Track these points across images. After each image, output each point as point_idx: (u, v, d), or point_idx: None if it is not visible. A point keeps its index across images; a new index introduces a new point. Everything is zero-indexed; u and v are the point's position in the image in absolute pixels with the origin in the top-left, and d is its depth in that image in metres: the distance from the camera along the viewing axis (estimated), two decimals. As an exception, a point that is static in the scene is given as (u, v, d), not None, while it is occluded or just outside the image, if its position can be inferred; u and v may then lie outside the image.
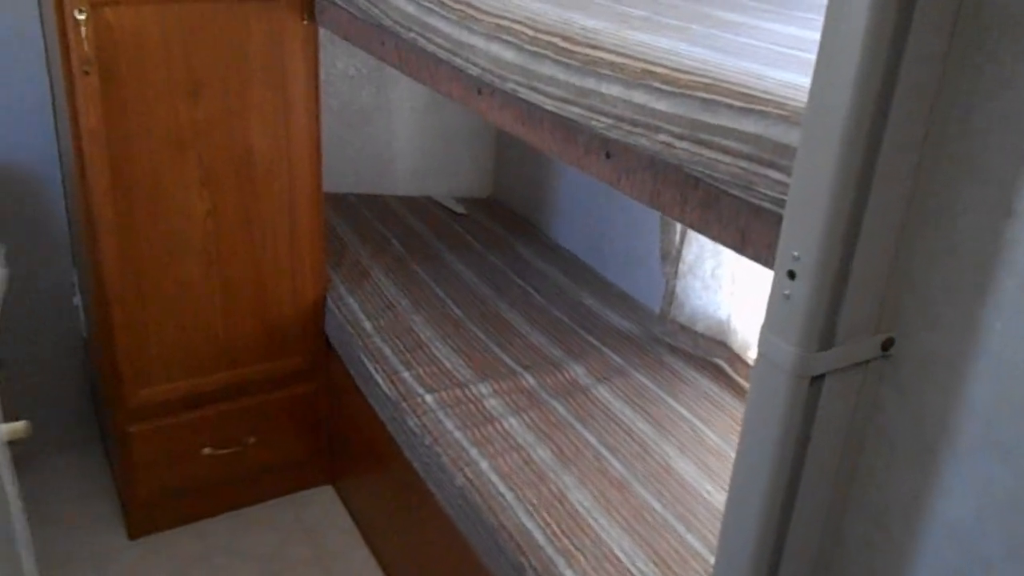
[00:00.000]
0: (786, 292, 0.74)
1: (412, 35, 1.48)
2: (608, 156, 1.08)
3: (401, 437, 1.82)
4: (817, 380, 0.76)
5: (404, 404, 1.81)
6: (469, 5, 1.30)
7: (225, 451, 2.09)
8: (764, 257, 0.86)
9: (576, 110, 1.08)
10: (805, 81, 0.72)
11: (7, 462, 1.37)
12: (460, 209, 2.63)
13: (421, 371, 1.89)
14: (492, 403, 1.81)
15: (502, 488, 1.57)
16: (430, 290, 2.20)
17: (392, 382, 1.87)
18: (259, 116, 1.87)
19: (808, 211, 0.71)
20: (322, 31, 1.90)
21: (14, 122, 2.02)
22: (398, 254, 2.34)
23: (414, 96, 2.57)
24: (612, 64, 1.02)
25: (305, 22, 1.86)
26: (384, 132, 2.58)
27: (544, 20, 1.16)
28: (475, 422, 1.74)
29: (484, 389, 1.84)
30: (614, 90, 1.01)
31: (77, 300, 2.18)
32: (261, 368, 2.08)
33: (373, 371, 1.92)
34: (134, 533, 2.07)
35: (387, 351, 1.96)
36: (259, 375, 2.08)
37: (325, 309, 2.12)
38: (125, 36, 1.68)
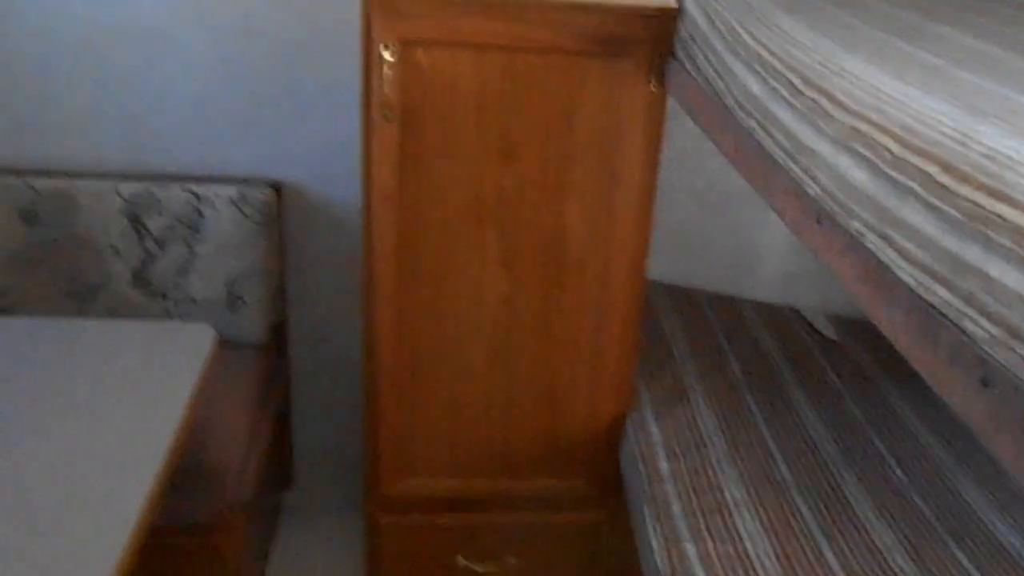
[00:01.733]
0: None
1: (752, 123, 1.10)
2: (984, 385, 0.61)
3: (663, 632, 1.43)
4: None
5: (674, 592, 1.41)
6: (824, 93, 0.89)
7: (481, 566, 1.85)
8: None
9: (945, 293, 0.63)
10: None
11: None
12: (830, 333, 2.12)
13: (711, 548, 1.47)
14: (795, 624, 1.34)
15: None
16: (758, 435, 1.75)
17: (668, 553, 1.47)
18: (578, 193, 1.60)
19: None
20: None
21: (331, 165, 2.00)
22: (733, 379, 1.92)
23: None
24: (1016, 229, 0.56)
25: (652, 87, 1.55)
26: (751, 223, 2.18)
27: (927, 131, 0.72)
28: (762, 651, 1.29)
29: (789, 600, 1.37)
30: (1010, 277, 0.56)
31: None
32: (539, 484, 1.81)
33: (651, 530, 1.54)
34: (371, 628, 1.92)
35: (676, 508, 1.56)
36: (535, 491, 1.81)
37: (624, 432, 1.79)
38: (436, 82, 1.51)
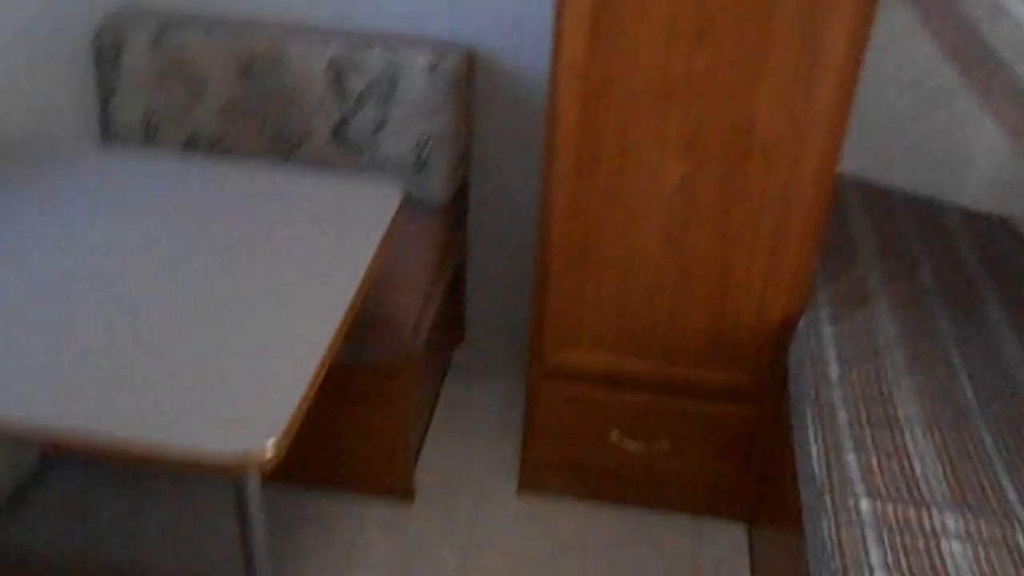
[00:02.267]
0: None
1: (978, 12, 0.96)
2: None
3: (811, 537, 1.40)
4: None
5: (827, 498, 1.36)
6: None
7: (634, 443, 1.87)
8: None
9: None
10: None
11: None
12: (1045, 247, 1.92)
13: (874, 461, 1.41)
14: (954, 549, 1.27)
15: None
16: (943, 350, 1.63)
17: (826, 459, 1.42)
18: (773, 76, 1.49)
19: None
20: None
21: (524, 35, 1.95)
22: (922, 287, 1.78)
23: None
24: None
25: (871, -35, 1.40)
26: (963, 122, 1.97)
27: None
28: (914, 571, 1.23)
29: (952, 524, 1.30)
30: None
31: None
32: (701, 372, 1.78)
33: (812, 435, 1.49)
34: (523, 487, 1.99)
35: (842, 415, 1.50)
36: (696, 378, 1.78)
37: (795, 331, 1.72)
38: (633, -44, 1.42)
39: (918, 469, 1.39)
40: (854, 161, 2.03)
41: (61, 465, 2.00)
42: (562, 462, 1.93)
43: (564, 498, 1.98)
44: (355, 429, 1.87)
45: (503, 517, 1.94)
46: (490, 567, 1.83)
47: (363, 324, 1.72)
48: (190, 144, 2.02)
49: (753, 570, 1.85)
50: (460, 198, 2.15)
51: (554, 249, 1.69)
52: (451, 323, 2.32)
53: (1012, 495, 1.34)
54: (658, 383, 1.80)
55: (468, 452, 2.10)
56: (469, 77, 1.99)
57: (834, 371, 1.58)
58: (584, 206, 1.64)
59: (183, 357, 1.15)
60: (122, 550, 1.81)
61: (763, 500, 1.87)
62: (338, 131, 1.98)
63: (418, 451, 2.07)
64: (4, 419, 1.03)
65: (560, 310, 1.75)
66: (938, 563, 1.23)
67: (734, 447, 1.85)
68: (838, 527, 1.31)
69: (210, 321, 1.21)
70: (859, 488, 1.36)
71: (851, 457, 1.41)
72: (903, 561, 1.23)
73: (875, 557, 1.25)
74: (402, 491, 1.95)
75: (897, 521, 1.30)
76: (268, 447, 1.03)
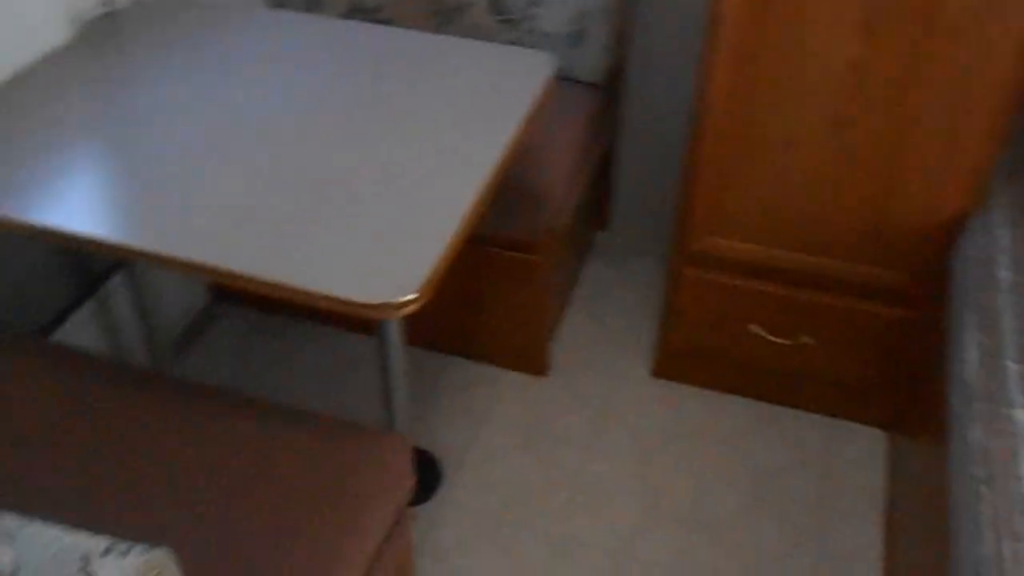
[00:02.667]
0: None
1: None
2: None
3: (956, 445, 1.32)
4: None
5: (978, 405, 1.28)
6: None
7: (774, 338, 1.81)
8: None
9: None
10: None
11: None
12: None
13: (1038, 371, 1.31)
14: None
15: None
16: None
17: (984, 365, 1.33)
18: (972, -54, 1.34)
19: None
20: None
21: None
22: (1119, 194, 1.60)
23: None
24: None
25: None
26: None
27: None
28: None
29: (1119, 444, 1.20)
30: None
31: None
32: (854, 269, 1.68)
33: (971, 340, 1.39)
34: (656, 371, 1.98)
35: (1007, 322, 1.39)
36: (847, 274, 1.69)
37: (964, 231, 1.59)
38: None
39: (1088, 385, 1.28)
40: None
41: (226, 309, 2.14)
42: (698, 350, 1.90)
43: (697, 386, 1.96)
44: (496, 301, 1.90)
45: (634, 398, 1.94)
46: (617, 444, 1.84)
47: (509, 197, 1.72)
48: (352, 13, 2.03)
49: (890, 476, 1.78)
50: (616, 77, 2.08)
51: (709, 130, 1.61)
52: (597, 205, 2.29)
53: None
54: (806, 277, 1.72)
55: (604, 333, 2.10)
56: (633, -53, 1.90)
57: (1004, 275, 1.46)
58: (745, 85, 1.54)
59: (337, 211, 1.18)
60: (274, 390, 1.94)
61: (907, 406, 1.79)
62: (496, 2, 1.94)
63: (555, 328, 2.09)
64: (179, 255, 1.11)
65: (709, 195, 1.68)
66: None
67: (881, 349, 1.76)
68: (989, 436, 1.23)
69: (364, 178, 1.24)
70: (1017, 398, 1.27)
71: (1012, 366, 1.31)
72: (1057, 476, 1.15)
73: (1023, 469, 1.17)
74: (537, 365, 1.98)
75: (1057, 435, 1.21)
76: (409, 295, 1.06)
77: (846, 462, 1.82)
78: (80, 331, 1.71)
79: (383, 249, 1.12)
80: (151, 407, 1.25)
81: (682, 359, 1.94)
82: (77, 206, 1.18)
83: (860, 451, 1.85)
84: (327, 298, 1.07)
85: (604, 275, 2.25)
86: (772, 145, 1.60)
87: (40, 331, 1.65)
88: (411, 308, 1.07)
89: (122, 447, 1.19)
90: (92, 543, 0.72)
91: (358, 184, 1.22)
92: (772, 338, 1.81)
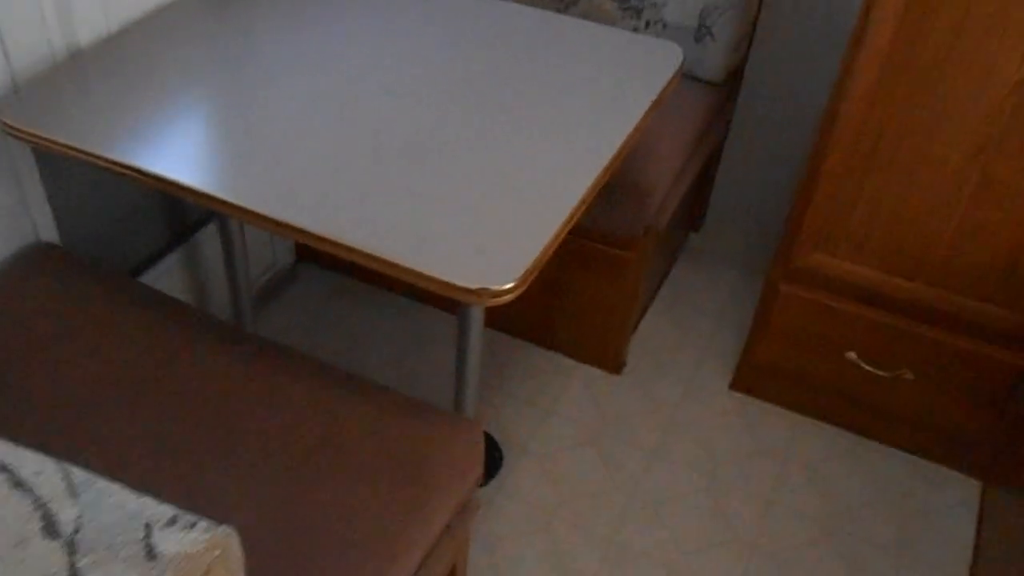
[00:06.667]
0: None
1: None
2: None
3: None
4: None
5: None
6: None
7: (871, 368, 1.66)
8: None
9: None
10: None
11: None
12: None
13: None
14: None
15: None
16: None
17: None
18: None
19: None
20: None
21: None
22: None
23: None
24: None
25: None
26: None
27: None
28: None
29: None
30: None
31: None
32: (976, 306, 1.50)
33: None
34: (735, 384, 1.85)
35: None
36: (967, 311, 1.51)
37: (1102, 281, 1.43)
38: None
39: None
40: None
41: (310, 269, 2.08)
42: (784, 368, 1.76)
43: (777, 405, 1.81)
44: (581, 293, 1.79)
45: (709, 409, 1.81)
46: (686, 454, 1.72)
47: (611, 190, 1.61)
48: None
49: (981, 528, 1.64)
50: (734, 76, 1.95)
51: (836, 141, 1.47)
52: (694, 205, 2.17)
53: None
54: (919, 309, 1.57)
55: (684, 338, 1.97)
56: (772, -59, 1.76)
57: None
58: (887, 96, 1.39)
59: (440, 185, 1.08)
60: (346, 356, 1.87)
61: (1007, 457, 1.63)
62: (620, -15, 1.82)
63: (635, 326, 1.98)
64: (273, 214, 1.03)
65: (824, 210, 1.54)
66: None
67: (987, 394, 1.61)
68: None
69: (472, 155, 1.13)
70: None
71: None
72: None
73: None
74: (613, 362, 1.87)
75: None
76: (507, 283, 0.96)
77: (933, 507, 1.67)
78: (169, 276, 1.63)
79: (485, 231, 1.02)
80: (228, 363, 1.17)
81: (765, 375, 1.81)
82: (179, 153, 1.08)
83: (950, 498, 1.69)
84: (419, 275, 0.97)
85: (691, 277, 2.13)
86: (905, 163, 1.45)
87: (131, 272, 1.60)
88: (507, 298, 0.97)
89: (196, 402, 1.12)
90: (158, 511, 0.65)
91: (466, 160, 1.12)
92: (869, 368, 1.67)
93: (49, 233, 1.38)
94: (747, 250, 2.18)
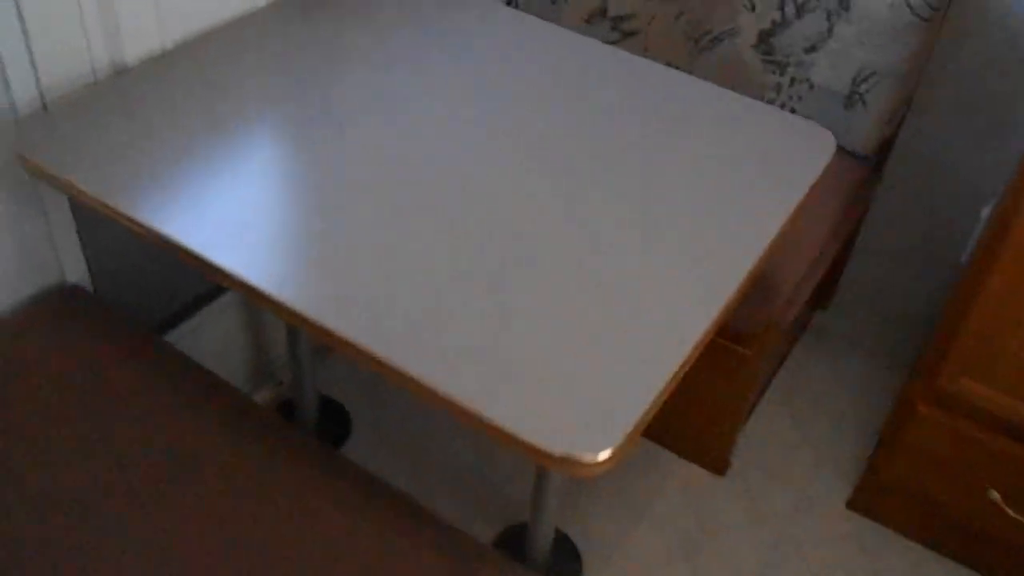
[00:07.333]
0: None
1: None
2: None
3: None
4: None
5: None
6: None
7: (1013, 512, 1.43)
8: None
9: None
10: None
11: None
12: None
13: None
14: None
15: None
16: None
17: None
18: None
19: None
20: None
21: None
22: None
23: None
24: None
25: None
26: None
27: None
28: None
29: None
30: None
31: (986, 212, 1.62)
32: None
33: None
34: (853, 503, 1.63)
35: None
36: None
37: None
38: None
39: None
40: None
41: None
42: (913, 494, 1.54)
43: (900, 533, 1.59)
44: (689, 385, 1.61)
45: (821, 529, 1.60)
46: (790, 577, 1.54)
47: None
48: (595, 15, 1.77)
49: None
50: (883, 149, 1.72)
51: (1003, 257, 1.25)
52: (825, 285, 1.95)
53: None
54: (1083, 458, 1.34)
55: (799, 438, 1.76)
56: (949, 6, 1.53)
57: None
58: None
59: (529, 303, 0.92)
60: (392, 461, 1.73)
61: None
62: (765, 38, 1.62)
63: (745, 421, 1.78)
64: (319, 318, 0.88)
65: (981, 332, 1.32)
66: None
67: None
68: None
69: (574, 262, 0.97)
70: None
71: None
72: None
73: None
74: (716, 462, 1.67)
75: None
76: (602, 451, 0.80)
77: None
78: (198, 333, 1.49)
79: (582, 373, 0.86)
80: (259, 466, 1.02)
81: (889, 497, 1.59)
82: (219, 222, 0.96)
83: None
84: (489, 426, 0.83)
85: (813, 363, 1.90)
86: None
87: (163, 321, 1.44)
88: (599, 470, 0.82)
89: (215, 515, 0.98)
90: None
91: (566, 269, 0.97)
92: (1011, 512, 1.44)
93: (77, 273, 1.25)
94: (880, 336, 1.95)
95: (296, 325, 0.91)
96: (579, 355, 0.88)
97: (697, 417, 1.63)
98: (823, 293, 1.97)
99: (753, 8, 1.60)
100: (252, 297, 0.92)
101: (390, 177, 1.07)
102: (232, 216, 0.99)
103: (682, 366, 0.89)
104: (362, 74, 1.23)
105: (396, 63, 1.26)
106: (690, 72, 1.69)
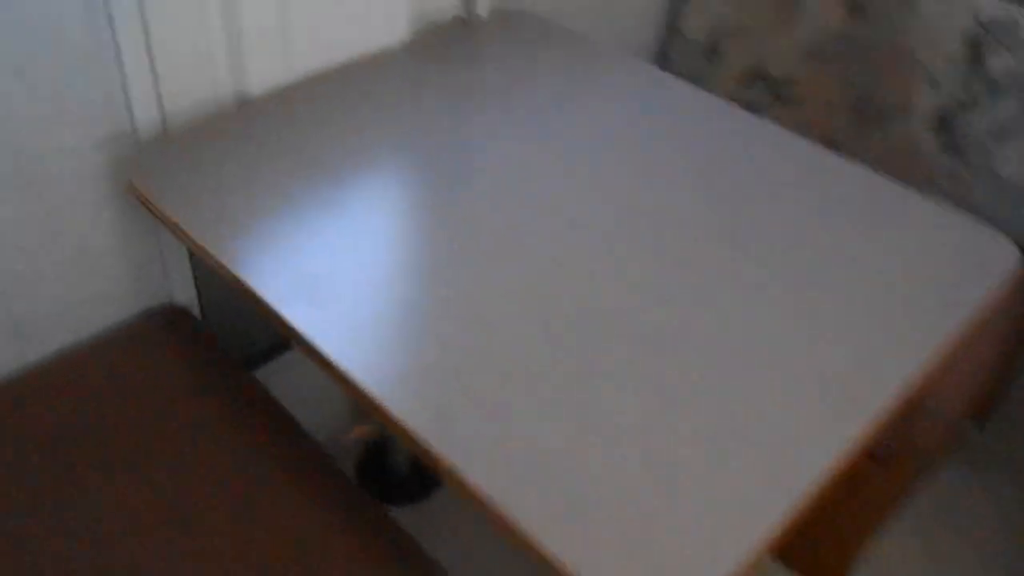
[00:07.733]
0: None
1: None
2: None
3: None
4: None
5: None
6: None
7: None
8: None
9: None
10: None
11: None
12: None
13: None
14: None
15: None
16: None
17: None
18: None
19: None
20: None
21: None
22: None
23: None
24: None
25: None
26: None
27: None
28: None
29: None
30: None
31: None
32: None
33: None
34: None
35: None
36: None
37: None
38: None
39: None
40: None
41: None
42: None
43: None
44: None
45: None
46: None
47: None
48: (751, 76, 1.63)
49: None
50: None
51: None
52: (983, 399, 1.72)
53: None
54: None
55: (931, 571, 1.55)
56: None
57: None
58: None
59: (623, 429, 0.81)
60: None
61: None
62: (944, 120, 1.44)
63: (868, 542, 1.57)
64: (378, 398, 0.81)
65: None
66: None
67: None
68: None
69: (683, 381, 0.86)
70: None
71: None
72: None
73: None
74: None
75: None
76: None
77: None
78: (290, 368, 1.45)
79: (676, 509, 0.75)
80: (308, 505, 0.97)
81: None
82: (298, 273, 0.91)
83: None
84: (544, 558, 0.71)
85: (960, 489, 1.66)
86: None
87: (259, 354, 1.42)
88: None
89: (265, 543, 0.93)
90: None
91: (671, 383, 0.85)
92: None
93: (186, 295, 1.23)
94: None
95: (354, 398, 0.83)
96: (675, 485, 0.76)
97: (811, 530, 1.45)
98: (980, 408, 1.74)
99: (934, 84, 1.42)
100: (314, 360, 0.85)
101: (497, 251, 0.97)
102: (313, 270, 0.92)
103: (799, 505, 0.75)
104: (485, 129, 1.15)
105: (524, 124, 1.17)
106: (852, 150, 1.53)
